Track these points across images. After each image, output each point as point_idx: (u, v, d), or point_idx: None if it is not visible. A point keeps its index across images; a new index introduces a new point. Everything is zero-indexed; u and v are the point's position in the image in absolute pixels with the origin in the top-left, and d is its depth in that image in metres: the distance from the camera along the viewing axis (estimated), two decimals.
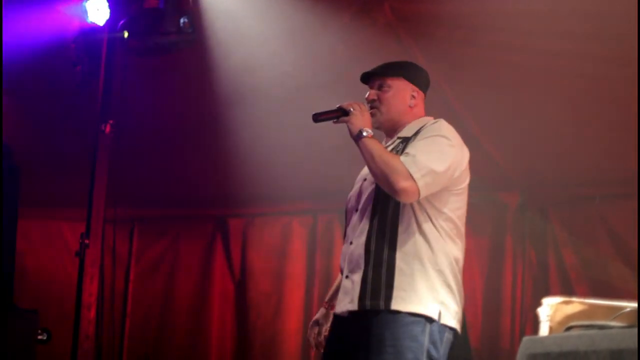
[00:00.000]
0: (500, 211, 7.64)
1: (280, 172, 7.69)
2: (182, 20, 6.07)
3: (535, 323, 6.46)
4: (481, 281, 7.62)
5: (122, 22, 6.42)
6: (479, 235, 7.62)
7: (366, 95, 4.15)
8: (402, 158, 3.81)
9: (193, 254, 8.98)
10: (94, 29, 6.70)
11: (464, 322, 4.06)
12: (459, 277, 4.07)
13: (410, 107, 4.12)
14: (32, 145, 7.83)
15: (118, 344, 8.73)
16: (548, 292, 6.56)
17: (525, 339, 3.09)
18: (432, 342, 3.82)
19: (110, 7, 6.60)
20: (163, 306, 8.99)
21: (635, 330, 2.78)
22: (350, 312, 3.91)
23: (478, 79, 6.68)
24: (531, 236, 7.49)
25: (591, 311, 3.27)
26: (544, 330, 3.31)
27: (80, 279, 6.14)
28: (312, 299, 8.26)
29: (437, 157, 3.86)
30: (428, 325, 3.81)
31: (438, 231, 3.94)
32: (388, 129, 4.14)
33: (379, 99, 4.09)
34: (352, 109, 3.96)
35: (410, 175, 3.74)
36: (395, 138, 4.11)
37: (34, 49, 7.26)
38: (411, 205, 3.88)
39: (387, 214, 3.91)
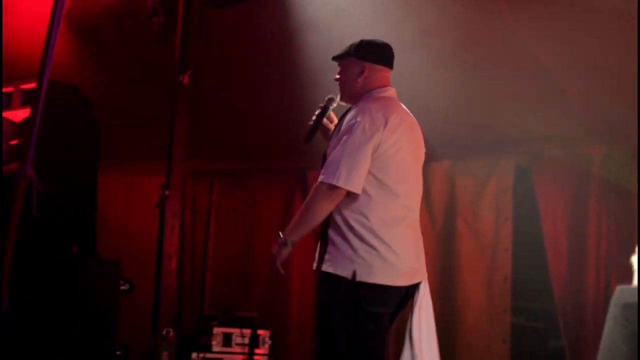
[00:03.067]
0: (584, 163, 7.49)
1: None
2: None
3: (620, 276, 6.35)
4: (565, 233, 7.51)
5: None
6: (563, 187, 7.51)
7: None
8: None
9: (272, 207, 8.99)
10: None
11: None
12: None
13: (359, 81, 4.43)
14: (112, 99, 7.87)
15: (199, 296, 8.79)
16: (634, 244, 6.41)
17: (619, 288, 3.00)
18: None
19: None
20: (243, 258, 9.02)
21: None
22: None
23: (562, 30, 6.54)
24: (616, 189, 7.33)
25: None
26: (638, 279, 3.20)
27: (161, 230, 6.16)
28: None
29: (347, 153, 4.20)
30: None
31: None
32: (349, 103, 4.46)
33: (338, 80, 4.50)
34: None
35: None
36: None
37: (110, 1, 7.30)
38: None
39: None
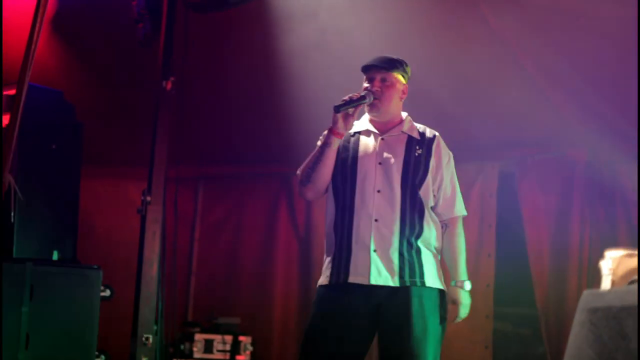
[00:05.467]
0: (568, 167, 7.50)
1: None
2: None
3: (600, 279, 6.34)
4: (548, 238, 7.51)
5: None
6: (547, 192, 7.52)
7: (368, 85, 4.52)
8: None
9: (258, 212, 8.99)
10: None
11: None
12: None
13: (401, 101, 4.59)
14: (97, 104, 7.87)
15: (183, 302, 8.79)
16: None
17: (586, 292, 2.99)
18: None
19: None
20: (228, 264, 9.03)
21: None
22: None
23: (546, 33, 6.56)
24: (600, 193, 7.34)
25: None
26: (606, 283, 3.22)
27: (142, 236, 6.16)
28: None
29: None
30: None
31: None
32: (383, 118, 4.55)
33: (382, 91, 4.50)
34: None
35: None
36: (398, 132, 4.55)
37: (95, 6, 7.30)
38: None
39: None
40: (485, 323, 7.71)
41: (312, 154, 4.51)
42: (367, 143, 4.54)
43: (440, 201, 4.53)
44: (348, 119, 4.44)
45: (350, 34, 6.86)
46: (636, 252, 3.24)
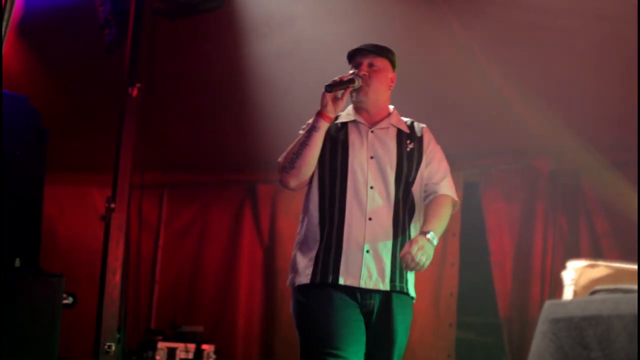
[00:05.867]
0: (532, 177, 7.55)
1: None
2: None
3: (562, 289, 6.39)
4: (511, 248, 7.56)
5: None
6: (510, 202, 7.56)
7: (355, 71, 4.36)
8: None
9: (222, 220, 8.98)
10: None
11: None
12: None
13: (389, 89, 4.46)
14: (63, 110, 7.83)
15: (146, 310, 8.75)
16: (578, 259, 6.47)
17: (548, 302, 3.01)
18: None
19: None
20: (192, 272, 9.01)
21: None
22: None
23: (510, 42, 6.60)
24: (563, 202, 7.40)
25: (617, 275, 3.18)
26: (568, 294, 3.24)
27: (106, 243, 6.12)
28: None
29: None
30: None
31: None
32: (370, 104, 4.40)
33: (370, 76, 4.36)
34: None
35: None
36: (388, 125, 4.39)
37: (62, 11, 7.25)
38: None
39: None
40: (449, 332, 7.74)
41: (296, 140, 4.29)
42: (357, 134, 4.35)
43: (436, 177, 4.35)
44: (337, 103, 4.27)
45: (319, 41, 6.87)
46: (597, 263, 3.27)
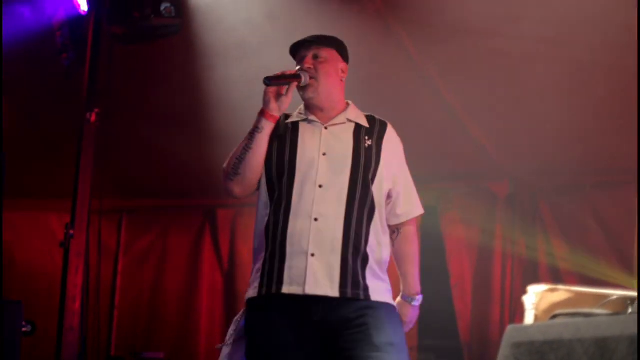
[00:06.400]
0: (489, 201, 7.61)
1: None
2: (163, 5, 6.00)
3: (523, 313, 6.45)
4: (470, 271, 7.61)
5: (105, 8, 6.36)
6: (468, 225, 7.60)
7: (299, 66, 3.97)
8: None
9: (182, 245, 8.94)
10: (80, 17, 6.65)
11: None
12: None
13: (341, 81, 4.04)
14: (21, 134, 7.77)
15: (106, 336, 8.67)
16: (537, 282, 6.53)
17: (510, 327, 3.04)
18: None
19: None
20: (151, 298, 8.94)
21: (621, 317, 2.73)
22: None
23: (468, 67, 6.65)
24: (521, 226, 7.46)
25: (577, 299, 3.22)
26: (529, 318, 3.26)
27: (65, 270, 6.08)
28: None
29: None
30: None
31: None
32: (322, 101, 3.99)
33: (316, 69, 3.95)
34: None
35: None
36: (344, 120, 3.98)
37: (19, 36, 7.21)
38: None
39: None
40: (410, 355, 7.74)
41: (239, 143, 3.91)
42: (308, 132, 3.94)
43: (399, 201, 3.95)
44: (282, 100, 3.89)
45: (279, 68, 6.89)
46: (558, 287, 3.31)
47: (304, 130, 3.95)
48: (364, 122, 3.96)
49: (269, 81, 3.86)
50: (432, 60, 6.70)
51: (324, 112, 3.98)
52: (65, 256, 6.13)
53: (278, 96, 3.90)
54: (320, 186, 3.82)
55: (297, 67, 3.96)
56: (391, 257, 3.96)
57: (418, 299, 4.02)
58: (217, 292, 8.76)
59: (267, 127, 3.89)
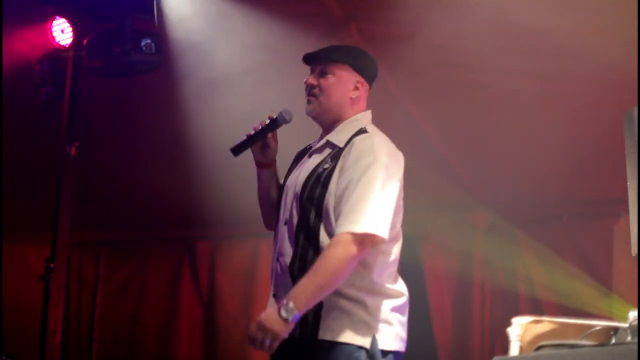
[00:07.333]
0: (468, 231, 7.64)
1: (249, 194, 7.64)
2: (143, 41, 6.02)
3: (504, 343, 6.47)
4: (450, 301, 7.62)
5: (85, 42, 6.37)
6: (448, 256, 7.62)
7: (305, 80, 3.83)
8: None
9: (161, 277, 8.91)
10: (59, 51, 6.66)
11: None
12: None
13: (351, 99, 3.80)
14: None
15: None
16: (517, 313, 6.54)
17: (495, 359, 3.06)
18: None
19: (74, 29, 6.56)
20: (130, 330, 8.90)
21: (606, 348, 2.77)
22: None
23: (446, 100, 6.69)
24: (500, 256, 7.49)
25: (561, 330, 3.24)
26: (514, 350, 3.28)
27: (46, 304, 6.06)
28: None
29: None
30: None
31: None
32: (325, 120, 3.82)
33: (319, 86, 3.76)
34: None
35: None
36: (324, 140, 3.79)
37: None
38: None
39: None
40: None
41: None
42: (303, 161, 3.82)
43: (341, 214, 3.52)
44: (265, 149, 3.81)
45: (261, 102, 6.91)
46: (542, 318, 3.35)
47: (304, 159, 3.87)
48: (341, 144, 3.71)
49: (235, 152, 3.82)
50: (411, 93, 6.74)
51: (329, 131, 3.82)
52: (46, 290, 6.12)
53: (262, 147, 3.84)
54: (285, 223, 3.73)
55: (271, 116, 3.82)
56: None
57: (283, 310, 3.36)
58: (196, 324, 8.72)
59: (263, 174, 3.90)
